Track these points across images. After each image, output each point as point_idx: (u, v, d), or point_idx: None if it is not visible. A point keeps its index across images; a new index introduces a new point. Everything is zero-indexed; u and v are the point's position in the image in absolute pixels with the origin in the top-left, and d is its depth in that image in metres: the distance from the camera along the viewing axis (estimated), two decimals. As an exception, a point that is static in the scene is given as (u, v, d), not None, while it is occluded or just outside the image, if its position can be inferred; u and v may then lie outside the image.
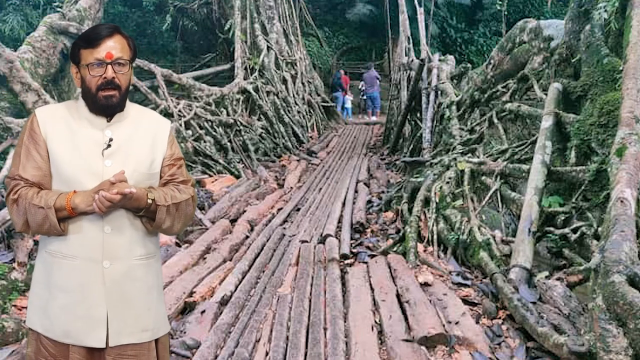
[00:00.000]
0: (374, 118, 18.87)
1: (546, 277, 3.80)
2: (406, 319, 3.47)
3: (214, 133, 9.59)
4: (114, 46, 1.74)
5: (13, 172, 1.76)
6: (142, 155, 1.83)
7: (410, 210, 5.57)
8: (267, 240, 5.46)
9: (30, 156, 1.75)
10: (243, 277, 4.38)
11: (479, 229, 4.56)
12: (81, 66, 1.76)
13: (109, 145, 1.77)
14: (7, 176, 1.76)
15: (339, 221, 6.23)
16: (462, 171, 5.55)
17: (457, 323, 3.33)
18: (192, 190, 1.94)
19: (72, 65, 1.81)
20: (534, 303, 3.37)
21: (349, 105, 19.71)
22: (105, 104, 1.76)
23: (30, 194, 1.70)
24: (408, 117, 11.16)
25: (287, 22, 16.57)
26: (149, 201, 1.76)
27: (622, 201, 3.29)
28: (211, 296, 3.96)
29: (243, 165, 9.63)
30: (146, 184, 1.82)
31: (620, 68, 4.36)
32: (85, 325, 1.74)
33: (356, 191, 7.98)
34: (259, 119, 11.84)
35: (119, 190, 1.67)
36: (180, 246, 5.20)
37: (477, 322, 3.43)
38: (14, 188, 1.73)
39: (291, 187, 8.50)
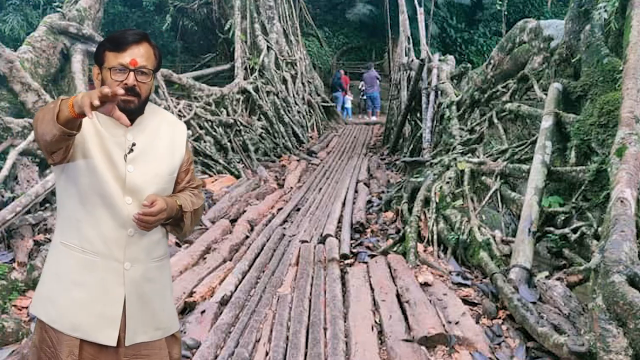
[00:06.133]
0: (374, 118, 18.86)
1: (546, 277, 3.80)
2: (406, 319, 3.47)
3: (214, 133, 9.60)
4: (139, 53, 1.72)
5: None
6: (163, 159, 1.84)
7: (410, 210, 5.57)
8: (267, 240, 5.46)
9: None
10: (243, 277, 4.38)
11: (479, 229, 4.56)
12: (104, 68, 1.73)
13: (131, 150, 1.76)
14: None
15: (339, 221, 6.22)
16: (462, 171, 5.55)
17: (457, 323, 3.33)
18: (202, 195, 1.98)
19: (94, 66, 1.79)
20: (534, 303, 3.37)
21: (349, 105, 19.71)
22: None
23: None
24: (408, 117, 11.16)
25: (287, 22, 16.56)
26: (177, 207, 1.80)
27: (622, 201, 3.29)
28: (211, 296, 3.96)
29: (243, 165, 9.63)
30: (167, 187, 1.84)
31: (620, 68, 4.36)
32: (98, 322, 1.73)
33: (356, 191, 7.98)
34: (259, 119, 11.83)
35: (153, 200, 1.68)
36: (180, 246, 5.20)
37: (477, 322, 3.43)
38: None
39: (291, 187, 8.50)
